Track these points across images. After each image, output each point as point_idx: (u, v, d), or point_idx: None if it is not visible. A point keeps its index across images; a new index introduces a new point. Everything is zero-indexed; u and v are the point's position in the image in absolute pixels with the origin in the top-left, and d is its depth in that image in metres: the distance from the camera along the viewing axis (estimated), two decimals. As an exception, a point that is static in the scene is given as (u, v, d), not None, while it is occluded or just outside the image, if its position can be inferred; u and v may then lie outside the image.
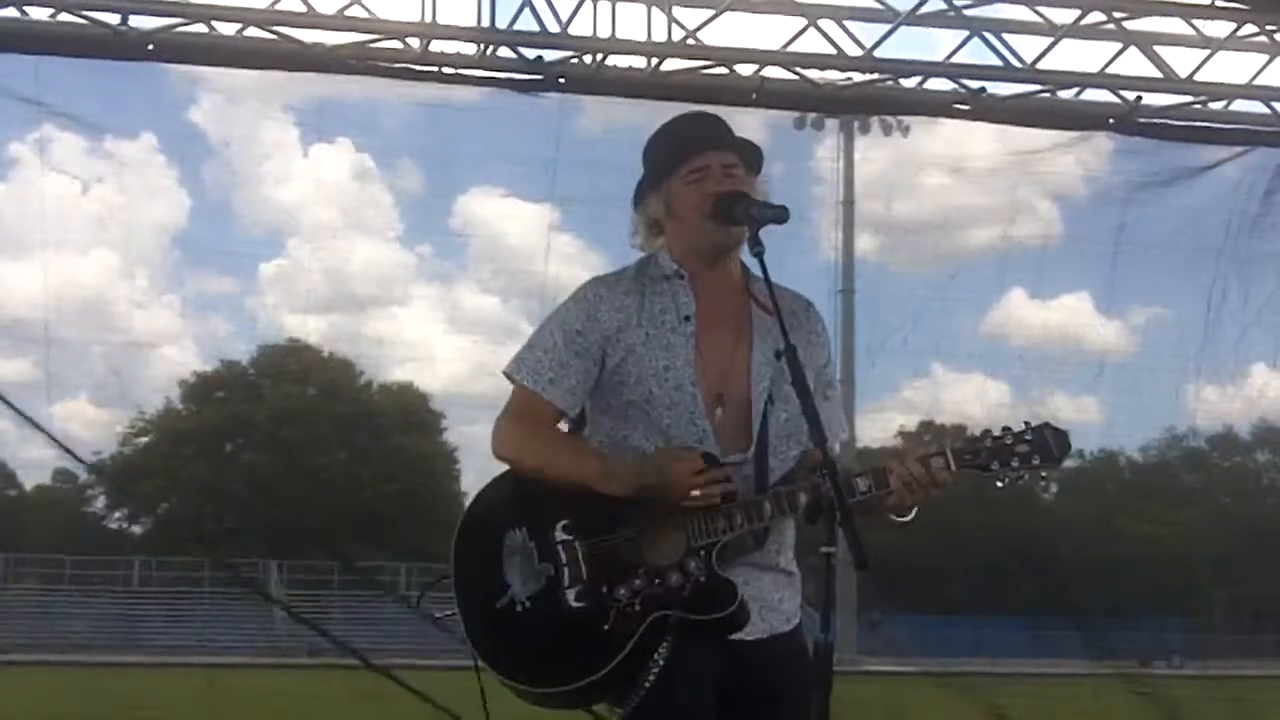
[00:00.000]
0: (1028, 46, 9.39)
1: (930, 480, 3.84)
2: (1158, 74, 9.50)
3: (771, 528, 3.92)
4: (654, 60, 9.12)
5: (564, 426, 4.09)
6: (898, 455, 3.91)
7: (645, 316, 3.98)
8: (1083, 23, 9.42)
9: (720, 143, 4.06)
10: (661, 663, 3.78)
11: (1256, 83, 9.68)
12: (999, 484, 3.90)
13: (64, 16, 8.61)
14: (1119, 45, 9.42)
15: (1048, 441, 3.89)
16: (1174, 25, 9.54)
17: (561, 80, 9.11)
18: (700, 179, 3.97)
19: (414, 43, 8.85)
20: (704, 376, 3.95)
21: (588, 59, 9.07)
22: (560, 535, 3.85)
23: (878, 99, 9.94)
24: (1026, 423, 3.91)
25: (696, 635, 3.79)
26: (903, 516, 3.93)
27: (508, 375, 4.04)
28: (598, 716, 4.11)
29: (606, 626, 3.76)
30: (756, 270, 3.89)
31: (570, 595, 3.81)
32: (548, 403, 3.98)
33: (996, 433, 3.90)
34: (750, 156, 4.07)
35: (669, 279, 4.03)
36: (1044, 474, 3.89)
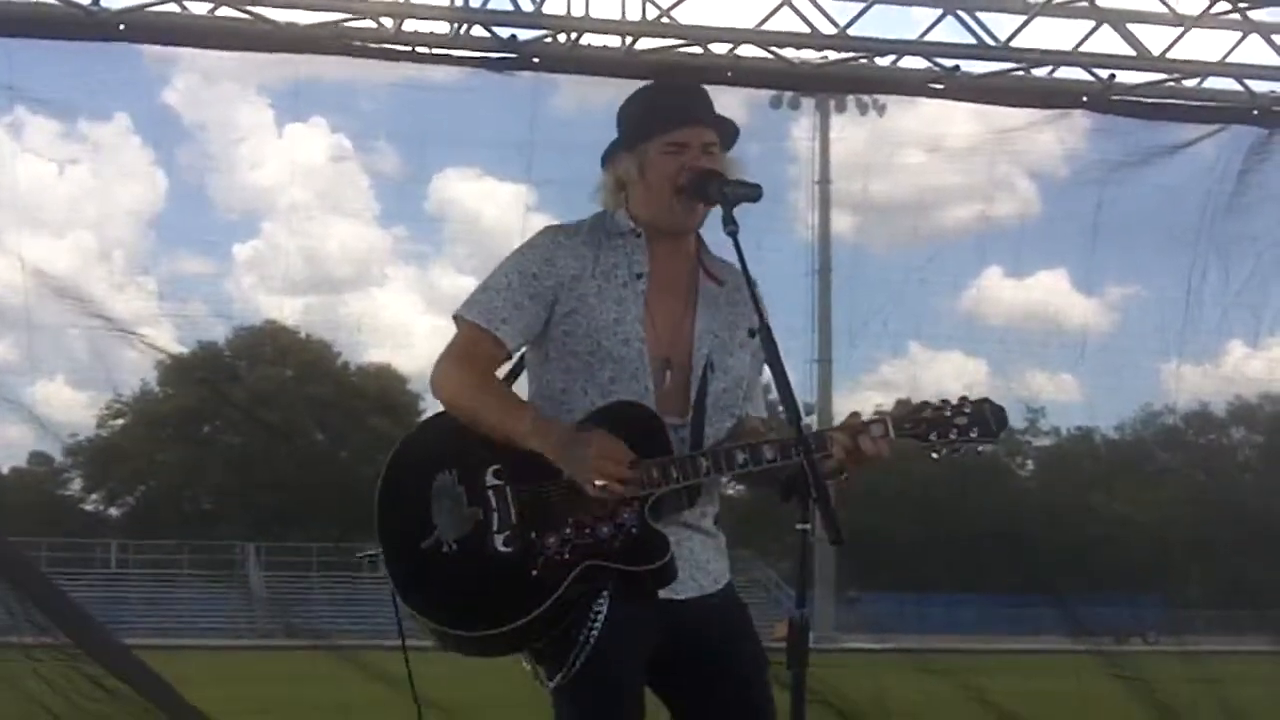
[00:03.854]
0: (1002, 24, 9.42)
1: (874, 448, 3.86)
2: (1131, 52, 9.52)
3: (704, 487, 3.92)
4: (628, 39, 9.12)
5: (501, 373, 4.06)
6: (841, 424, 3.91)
7: (599, 269, 3.98)
8: (1056, 0, 9.43)
9: (703, 119, 4.06)
10: (595, 631, 3.76)
11: (1229, 60, 9.70)
12: (934, 455, 3.94)
13: (35, -3, 8.58)
14: (1092, 23, 9.43)
15: (986, 416, 3.93)
16: (1147, 3, 9.58)
17: (535, 60, 9.10)
18: (678, 153, 3.97)
19: (388, 22, 8.83)
20: (651, 338, 3.95)
21: (562, 38, 9.06)
22: (491, 480, 3.82)
23: (852, 77, 9.94)
24: (964, 396, 3.95)
25: (627, 589, 3.78)
26: (835, 480, 3.89)
27: (457, 317, 4.00)
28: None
29: (535, 573, 3.74)
30: (730, 254, 3.90)
31: (498, 540, 3.78)
32: (498, 341, 3.95)
33: (936, 403, 3.93)
34: (727, 135, 4.08)
35: (624, 235, 4.03)
36: (980, 449, 3.92)
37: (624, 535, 3.78)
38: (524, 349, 4.07)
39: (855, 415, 3.92)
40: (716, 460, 3.85)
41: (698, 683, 3.96)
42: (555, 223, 4.15)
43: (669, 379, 3.96)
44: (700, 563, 3.98)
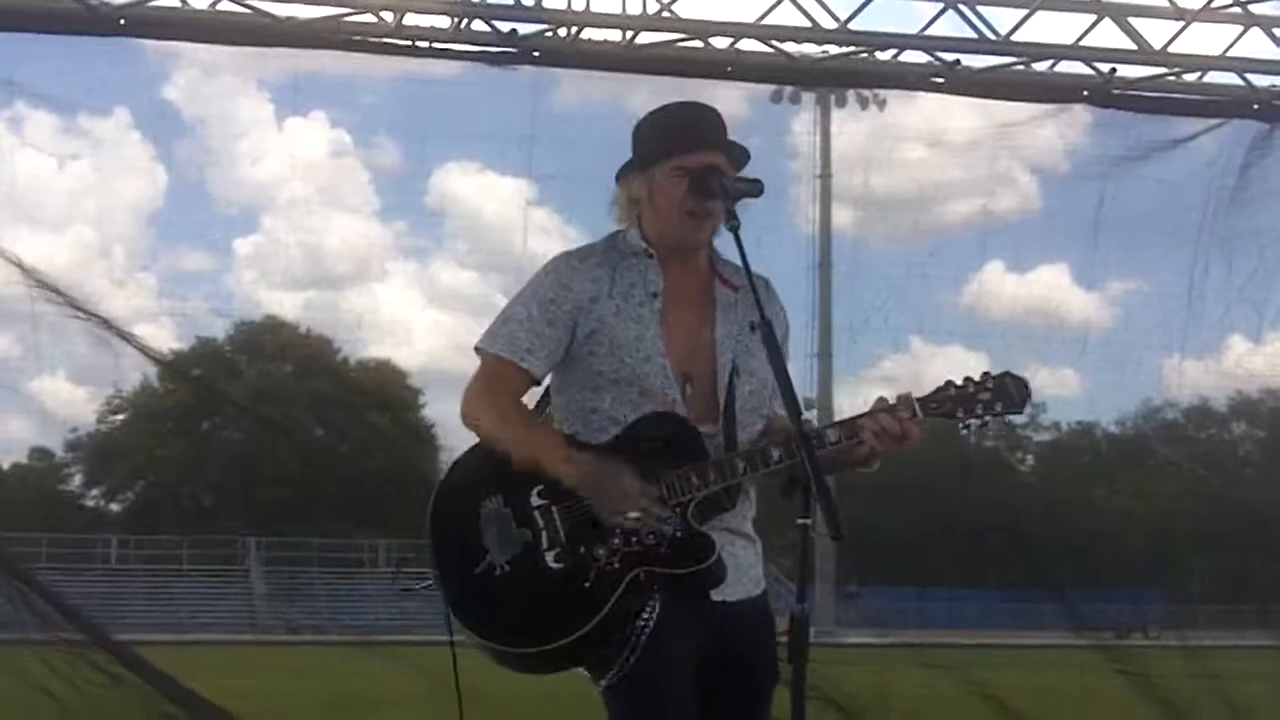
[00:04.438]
0: (1003, 19, 9.40)
1: (900, 431, 3.88)
2: (1132, 46, 9.50)
3: (742, 489, 3.96)
4: (628, 34, 9.10)
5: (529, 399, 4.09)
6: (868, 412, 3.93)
7: (616, 290, 4.01)
8: (1057, -6, 9.43)
9: (712, 142, 4.07)
10: (646, 631, 3.80)
11: (1231, 54, 9.69)
12: (963, 430, 3.97)
13: (35, -8, 8.57)
14: (1093, 17, 9.42)
15: (1009, 389, 3.96)
16: (1148, -3, 9.55)
17: (536, 54, 9.08)
18: (684, 176, 3.99)
19: (388, 17, 8.81)
20: (670, 354, 3.98)
21: (562, 32, 9.05)
22: (536, 500, 3.86)
23: (853, 72, 9.94)
24: (986, 372, 3.96)
25: (678, 593, 3.82)
26: (869, 468, 3.96)
27: (480, 350, 4.04)
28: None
29: (587, 584, 3.78)
30: (731, 249, 3.91)
31: (549, 557, 3.82)
32: (523, 371, 3.99)
33: (959, 382, 3.96)
34: (737, 160, 4.09)
35: (638, 255, 4.07)
36: (1008, 419, 3.97)
37: (670, 541, 3.82)
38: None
39: (882, 400, 3.95)
40: (752, 460, 3.89)
41: (716, 682, 3.97)
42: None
43: (690, 393, 3.99)
44: (744, 567, 4.02)
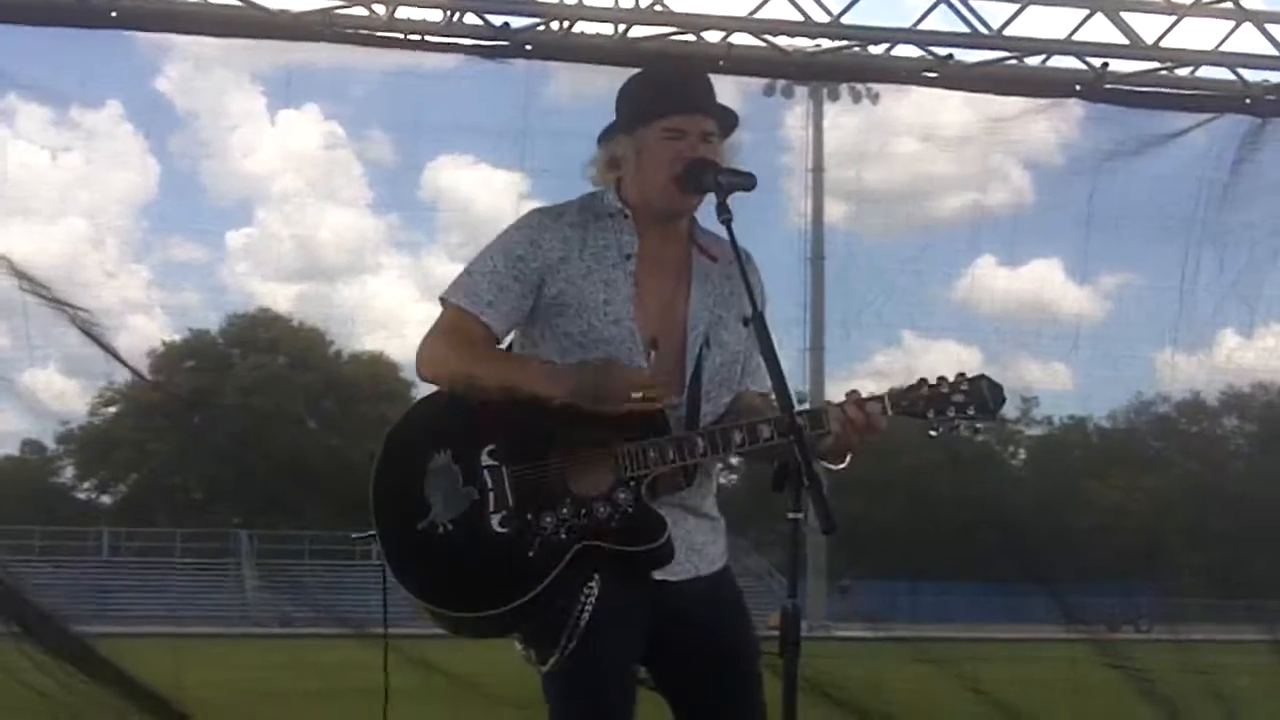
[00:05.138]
0: (995, 13, 9.40)
1: (866, 424, 3.82)
2: (1124, 40, 9.50)
3: (701, 467, 3.91)
4: (621, 27, 9.10)
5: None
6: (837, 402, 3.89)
7: (588, 250, 3.96)
8: (1050, -12, 9.43)
9: (704, 107, 4.04)
10: (585, 612, 3.76)
11: (1223, 49, 9.69)
12: (932, 433, 3.90)
13: (27, -16, 8.55)
14: (1086, 11, 9.41)
15: (984, 394, 3.88)
16: (1141, -9, 9.55)
17: (529, 47, 9.07)
18: (676, 139, 3.95)
19: (380, 9, 8.80)
20: (641, 316, 3.93)
21: (555, 25, 9.04)
22: (486, 460, 3.80)
23: (846, 66, 9.93)
24: (962, 374, 3.90)
25: (622, 571, 3.78)
26: (837, 464, 3.91)
27: (443, 300, 3.99)
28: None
29: (530, 554, 3.74)
30: (709, 225, 3.90)
31: (494, 520, 3.77)
32: (484, 324, 3.93)
33: (933, 381, 3.89)
34: (727, 124, 4.05)
35: (613, 216, 4.02)
36: (978, 425, 3.88)
37: (620, 515, 3.76)
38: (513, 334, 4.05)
39: (854, 392, 3.89)
40: (713, 440, 3.83)
41: (683, 662, 3.96)
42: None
43: (657, 358, 3.92)
44: (696, 545, 3.97)
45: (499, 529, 3.76)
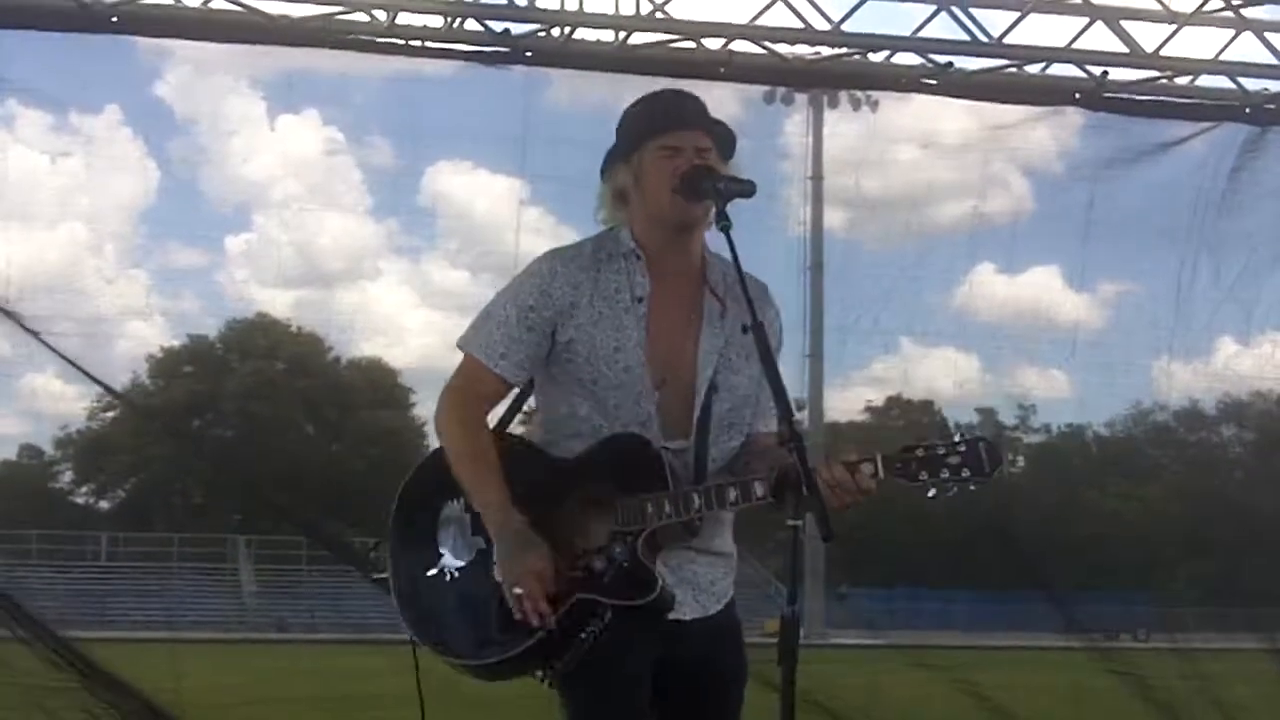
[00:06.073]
0: (995, 21, 9.41)
1: (856, 488, 3.76)
2: (1124, 49, 9.51)
3: (705, 518, 3.90)
4: (621, 34, 9.10)
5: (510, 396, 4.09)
6: (828, 459, 3.82)
7: (599, 295, 3.96)
8: (1050, -3, 9.44)
9: (696, 123, 4.03)
10: (595, 635, 3.78)
11: (1222, 58, 9.70)
12: (929, 494, 3.83)
13: (27, -11, 8.56)
14: (1086, 20, 9.43)
15: (980, 456, 3.77)
16: (1140, 0, 9.56)
17: (529, 54, 9.07)
18: (671, 155, 3.94)
19: (381, 16, 8.80)
20: (650, 358, 3.93)
21: (555, 32, 9.04)
22: None
23: (846, 73, 9.93)
24: (962, 434, 3.82)
25: (627, 619, 3.80)
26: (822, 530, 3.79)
27: (461, 347, 4.03)
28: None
29: None
30: (723, 251, 3.87)
31: (497, 570, 3.81)
32: (497, 377, 3.97)
33: (929, 443, 3.81)
34: (724, 142, 4.04)
35: (625, 257, 4.00)
36: (973, 487, 3.79)
37: (615, 569, 3.80)
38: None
39: (850, 453, 3.82)
40: (708, 497, 3.84)
41: (678, 689, 3.97)
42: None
43: (665, 399, 3.93)
44: (704, 585, 4.00)
45: (500, 578, 3.81)
